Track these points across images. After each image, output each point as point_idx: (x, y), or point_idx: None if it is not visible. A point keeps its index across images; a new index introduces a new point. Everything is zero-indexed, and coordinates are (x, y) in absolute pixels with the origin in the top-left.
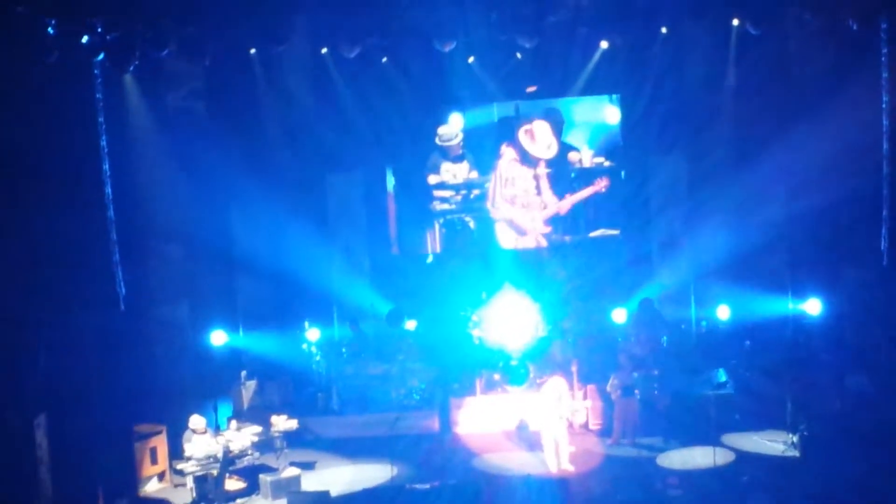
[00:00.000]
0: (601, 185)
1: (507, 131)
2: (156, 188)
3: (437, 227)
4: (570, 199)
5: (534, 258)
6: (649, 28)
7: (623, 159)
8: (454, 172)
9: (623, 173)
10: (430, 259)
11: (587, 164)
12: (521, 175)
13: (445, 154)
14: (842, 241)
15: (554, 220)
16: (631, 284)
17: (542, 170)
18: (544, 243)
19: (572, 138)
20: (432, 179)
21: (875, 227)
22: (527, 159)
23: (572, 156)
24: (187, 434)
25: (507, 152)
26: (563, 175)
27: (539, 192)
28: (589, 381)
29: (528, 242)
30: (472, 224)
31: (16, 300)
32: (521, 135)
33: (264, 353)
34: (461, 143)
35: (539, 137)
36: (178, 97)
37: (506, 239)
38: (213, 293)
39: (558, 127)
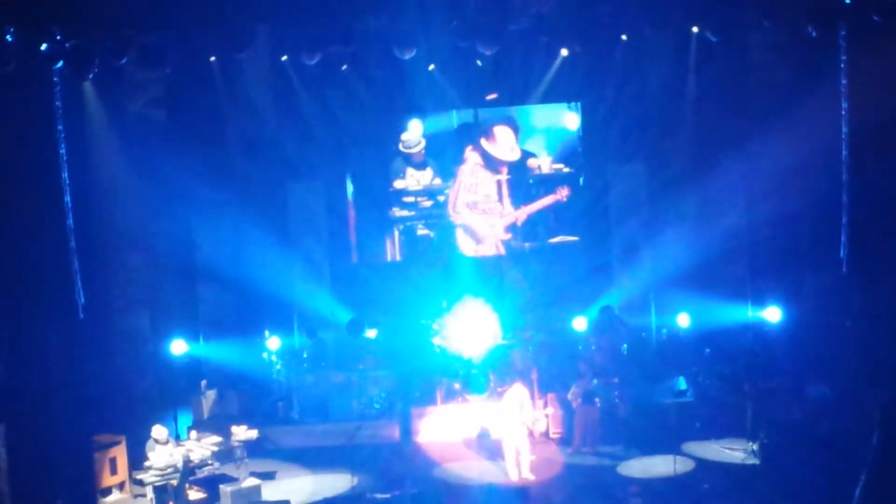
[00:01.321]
0: (562, 193)
1: (467, 137)
2: (116, 196)
3: (396, 234)
4: (529, 208)
5: (494, 266)
6: (609, 36)
7: (583, 166)
8: (418, 178)
9: (582, 180)
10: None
11: (546, 170)
12: (484, 180)
13: (409, 160)
14: (801, 249)
15: (513, 227)
16: (591, 292)
17: (505, 176)
18: (503, 251)
19: (530, 145)
20: (398, 184)
21: (834, 234)
22: (490, 164)
23: (531, 162)
24: (150, 443)
25: (472, 157)
26: (522, 183)
27: (500, 199)
28: (549, 389)
29: (487, 249)
30: (431, 233)
31: None
32: (484, 143)
33: (224, 363)
34: (423, 151)
35: (502, 141)
36: (138, 105)
37: (465, 245)
38: (174, 302)
39: (516, 133)
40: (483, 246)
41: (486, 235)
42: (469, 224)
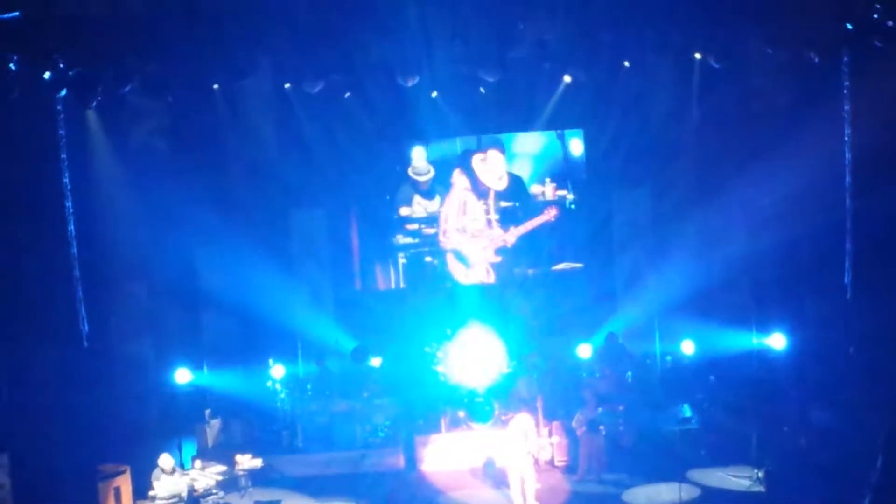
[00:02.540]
0: (550, 214)
1: (467, 162)
2: (119, 225)
3: (400, 262)
4: (518, 230)
5: (498, 294)
6: (612, 62)
7: (586, 193)
8: (425, 206)
9: (572, 205)
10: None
11: (550, 196)
12: (473, 204)
13: (417, 187)
14: (806, 276)
15: (504, 250)
16: (595, 319)
17: (492, 200)
18: (494, 275)
19: (519, 169)
20: (404, 211)
21: (839, 261)
22: (478, 188)
23: (535, 188)
24: (156, 472)
25: (460, 181)
26: (512, 206)
27: (489, 223)
28: (554, 417)
29: (478, 274)
30: (435, 260)
31: None
32: (476, 163)
33: (228, 391)
34: (431, 179)
35: (492, 167)
36: (141, 133)
37: (456, 270)
38: (178, 330)
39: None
40: (473, 270)
41: (476, 260)
42: (460, 249)
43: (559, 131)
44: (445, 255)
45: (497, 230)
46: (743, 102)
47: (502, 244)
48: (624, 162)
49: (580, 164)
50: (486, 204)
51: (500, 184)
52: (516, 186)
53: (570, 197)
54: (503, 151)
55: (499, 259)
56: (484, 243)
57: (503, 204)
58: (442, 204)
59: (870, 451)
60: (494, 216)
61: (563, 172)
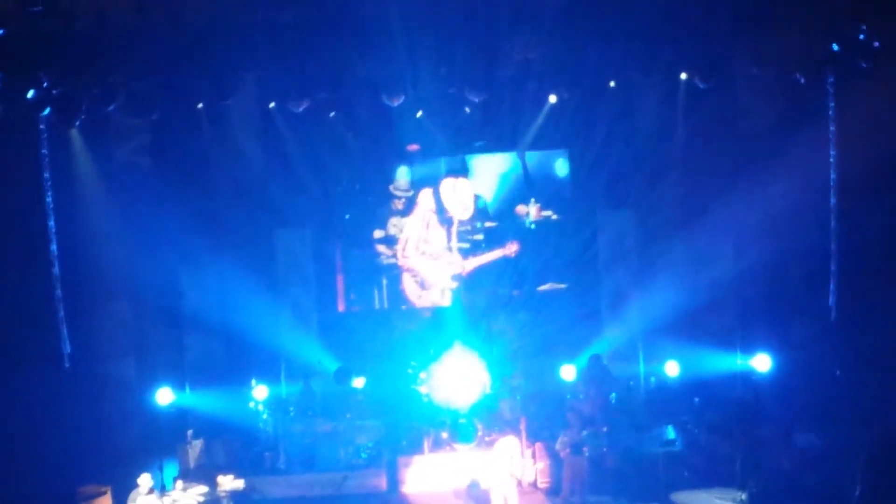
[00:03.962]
0: (511, 249)
1: (437, 185)
2: (102, 244)
3: (384, 282)
4: (476, 260)
5: (481, 314)
6: (597, 82)
7: (571, 213)
8: (400, 227)
9: (532, 224)
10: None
11: (535, 217)
12: (435, 227)
13: (392, 209)
14: (790, 297)
15: (459, 277)
16: (579, 341)
17: (455, 228)
18: (449, 298)
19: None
20: (377, 234)
21: (823, 282)
22: (441, 212)
23: (520, 209)
24: (133, 494)
25: (426, 201)
26: (473, 234)
27: (449, 248)
28: (538, 438)
29: (433, 296)
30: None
31: None
32: (445, 189)
33: (211, 412)
34: (406, 201)
35: (460, 196)
36: (125, 152)
37: (410, 290)
38: (160, 350)
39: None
40: (428, 292)
41: (432, 282)
42: (417, 269)
43: (520, 152)
44: (402, 274)
45: (456, 256)
46: (728, 122)
47: (459, 271)
48: (609, 181)
49: (558, 183)
50: (448, 230)
51: (465, 214)
52: (481, 216)
53: (555, 217)
54: (467, 177)
55: (455, 285)
56: (442, 266)
57: (464, 230)
58: (386, 224)
59: (854, 473)
60: (455, 244)
61: (532, 192)
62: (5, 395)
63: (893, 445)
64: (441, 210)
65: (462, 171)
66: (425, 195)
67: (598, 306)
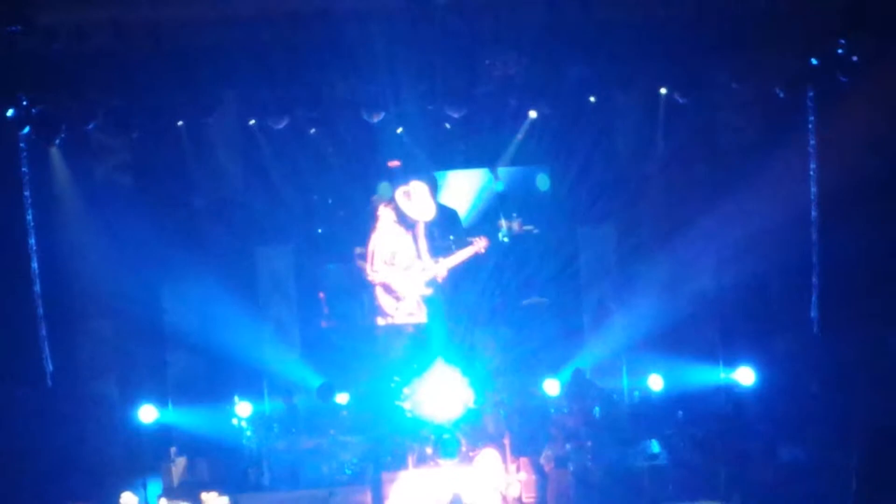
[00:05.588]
0: (480, 245)
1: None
2: (84, 262)
3: (365, 298)
4: (449, 261)
5: (464, 330)
6: (577, 98)
7: (553, 228)
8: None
9: (505, 237)
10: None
11: (517, 230)
12: (402, 236)
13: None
14: (772, 310)
15: (433, 283)
16: (562, 355)
17: (420, 230)
18: (424, 309)
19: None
20: (358, 250)
21: (805, 295)
22: (404, 220)
23: (501, 223)
24: None
25: (385, 214)
26: (442, 238)
27: (419, 255)
28: (522, 453)
29: (409, 307)
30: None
31: None
32: (399, 196)
33: (194, 429)
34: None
35: (416, 199)
36: (105, 170)
37: (386, 304)
38: (143, 368)
39: (433, 190)
40: (404, 304)
41: (406, 293)
42: (388, 282)
43: (492, 167)
44: (374, 289)
45: (427, 260)
46: (708, 138)
47: (433, 276)
48: (590, 197)
49: (539, 198)
50: (413, 234)
51: (428, 214)
52: (447, 218)
53: (536, 232)
54: (429, 182)
55: (430, 291)
56: (414, 275)
57: (433, 236)
58: (368, 240)
59: (838, 487)
60: (423, 245)
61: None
62: None
63: (882, 456)
64: (402, 217)
65: (420, 177)
66: (383, 209)
67: (581, 321)
